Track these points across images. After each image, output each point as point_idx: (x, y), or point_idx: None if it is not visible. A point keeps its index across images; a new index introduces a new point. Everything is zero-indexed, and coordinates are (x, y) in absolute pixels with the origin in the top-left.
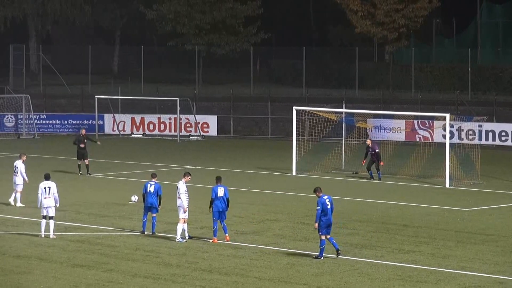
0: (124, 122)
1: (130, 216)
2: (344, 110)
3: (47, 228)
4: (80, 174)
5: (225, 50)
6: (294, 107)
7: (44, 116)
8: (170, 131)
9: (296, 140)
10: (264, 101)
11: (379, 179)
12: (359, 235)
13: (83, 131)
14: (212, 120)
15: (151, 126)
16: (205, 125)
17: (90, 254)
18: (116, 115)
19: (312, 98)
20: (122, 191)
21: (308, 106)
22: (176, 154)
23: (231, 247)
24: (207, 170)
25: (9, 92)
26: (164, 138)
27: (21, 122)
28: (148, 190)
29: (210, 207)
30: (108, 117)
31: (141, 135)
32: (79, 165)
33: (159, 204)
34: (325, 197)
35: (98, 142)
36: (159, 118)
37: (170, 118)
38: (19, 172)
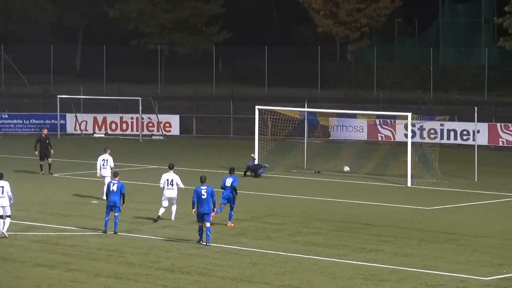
0: (86, 122)
1: (92, 215)
2: (306, 109)
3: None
4: (42, 173)
5: (188, 49)
6: (257, 107)
7: (6, 115)
8: (132, 130)
9: (259, 140)
10: (227, 100)
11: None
12: (322, 234)
13: (45, 131)
14: (174, 120)
15: (114, 126)
16: (167, 125)
17: (53, 254)
18: (78, 115)
19: (274, 97)
20: (84, 191)
21: (270, 105)
22: (138, 153)
23: (193, 247)
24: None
25: None
26: (126, 137)
27: None
28: (111, 189)
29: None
30: (70, 117)
31: (103, 135)
32: (41, 165)
33: (123, 203)
34: (203, 187)
35: (52, 151)
36: (121, 118)
37: (132, 118)
38: None
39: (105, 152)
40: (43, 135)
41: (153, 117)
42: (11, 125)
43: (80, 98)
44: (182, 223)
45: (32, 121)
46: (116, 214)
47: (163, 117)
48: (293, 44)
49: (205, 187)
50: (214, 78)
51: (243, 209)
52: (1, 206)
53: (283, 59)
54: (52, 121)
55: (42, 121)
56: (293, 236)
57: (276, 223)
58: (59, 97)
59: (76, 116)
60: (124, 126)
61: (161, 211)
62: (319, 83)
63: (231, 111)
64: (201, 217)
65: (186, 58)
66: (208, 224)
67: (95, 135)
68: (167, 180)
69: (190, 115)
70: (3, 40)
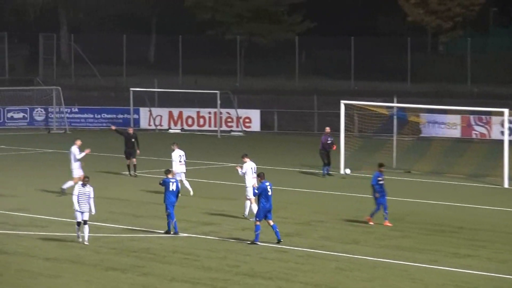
0: (161, 117)
1: (166, 216)
2: (395, 104)
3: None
4: (130, 175)
5: (268, 39)
6: (342, 101)
7: (76, 109)
8: (210, 126)
9: (344, 136)
10: (310, 95)
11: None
12: (411, 238)
13: (131, 129)
14: (254, 115)
15: (190, 121)
16: (247, 120)
17: (125, 257)
18: (153, 109)
19: (360, 91)
20: (158, 190)
21: (356, 100)
22: (216, 150)
23: (274, 250)
24: None
25: (39, 84)
26: (203, 133)
27: (52, 116)
28: (170, 188)
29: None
30: (144, 111)
31: (179, 130)
32: (128, 166)
33: (176, 200)
34: (267, 183)
35: (138, 151)
36: (198, 112)
37: (210, 112)
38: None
39: (175, 147)
40: (129, 133)
41: (232, 111)
42: (81, 120)
43: (155, 91)
44: (264, 225)
45: (103, 115)
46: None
47: (243, 112)
48: (380, 35)
49: (268, 183)
50: (297, 71)
51: (327, 210)
52: (80, 212)
53: (369, 51)
54: (125, 115)
55: (114, 116)
56: (380, 239)
57: (362, 226)
58: (132, 90)
59: (150, 111)
60: (201, 121)
61: (247, 210)
62: (409, 76)
63: (315, 106)
64: (265, 215)
65: (266, 49)
66: (272, 222)
67: (170, 130)
68: (252, 168)
69: (271, 110)
70: (72, 30)
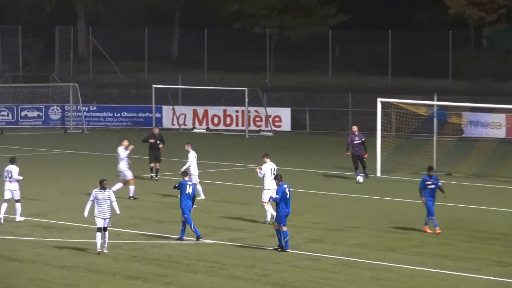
0: (185, 115)
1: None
2: (435, 102)
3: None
4: (155, 179)
5: (299, 33)
6: (379, 99)
7: (94, 107)
8: (237, 125)
9: (381, 137)
10: (344, 92)
11: (365, 176)
12: (452, 246)
13: (156, 129)
14: (285, 113)
15: (216, 120)
16: (276, 119)
17: (146, 265)
18: (176, 107)
19: (398, 88)
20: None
21: (394, 98)
22: (243, 151)
23: (306, 258)
24: (279, 170)
25: (55, 80)
26: (230, 133)
27: (68, 114)
28: (186, 192)
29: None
30: (166, 109)
31: (204, 130)
32: (151, 168)
33: (193, 204)
34: (285, 185)
35: (161, 146)
36: (224, 111)
37: (237, 111)
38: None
39: (189, 147)
40: (154, 133)
41: (261, 110)
42: (100, 119)
43: (178, 88)
44: (292, 231)
45: (123, 114)
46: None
47: (272, 111)
48: (419, 28)
49: (287, 186)
50: (330, 67)
51: (360, 215)
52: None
53: (408, 45)
54: (146, 114)
55: (135, 114)
56: (418, 247)
57: (398, 232)
58: (154, 87)
59: (173, 109)
60: (228, 120)
61: (268, 215)
62: (450, 72)
63: (349, 104)
64: (285, 219)
65: (298, 44)
66: (285, 228)
67: (195, 130)
68: (271, 169)
69: (302, 108)
70: (91, 22)
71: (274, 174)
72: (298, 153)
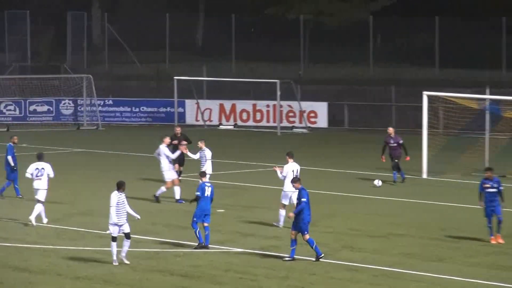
0: (211, 110)
1: (217, 227)
2: (487, 96)
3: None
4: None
5: (337, 20)
6: (425, 93)
7: (110, 101)
8: (268, 121)
9: (428, 134)
10: (387, 85)
11: (403, 180)
12: (509, 255)
13: (178, 129)
14: (321, 108)
15: (245, 115)
16: (312, 114)
17: (167, 276)
18: (201, 101)
19: (447, 81)
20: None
21: (442, 91)
22: (275, 150)
23: (345, 268)
24: (314, 170)
25: (67, 71)
26: (260, 130)
27: (81, 109)
28: (205, 194)
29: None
30: (190, 104)
31: (231, 126)
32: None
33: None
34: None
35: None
36: (254, 105)
37: (268, 105)
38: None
39: (203, 144)
40: (176, 134)
41: (295, 104)
42: (117, 114)
43: (203, 80)
44: (329, 239)
45: (142, 108)
46: (207, 224)
47: (307, 105)
48: (469, 14)
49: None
50: (372, 57)
51: (405, 221)
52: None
53: (457, 33)
54: (168, 109)
55: (155, 109)
56: (471, 257)
57: (447, 240)
58: (177, 79)
59: (198, 103)
60: (258, 115)
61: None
62: (504, 63)
63: (393, 98)
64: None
65: (335, 32)
66: (308, 236)
67: (221, 126)
68: (293, 170)
69: (340, 103)
70: (107, 8)
71: (296, 175)
72: (336, 152)
